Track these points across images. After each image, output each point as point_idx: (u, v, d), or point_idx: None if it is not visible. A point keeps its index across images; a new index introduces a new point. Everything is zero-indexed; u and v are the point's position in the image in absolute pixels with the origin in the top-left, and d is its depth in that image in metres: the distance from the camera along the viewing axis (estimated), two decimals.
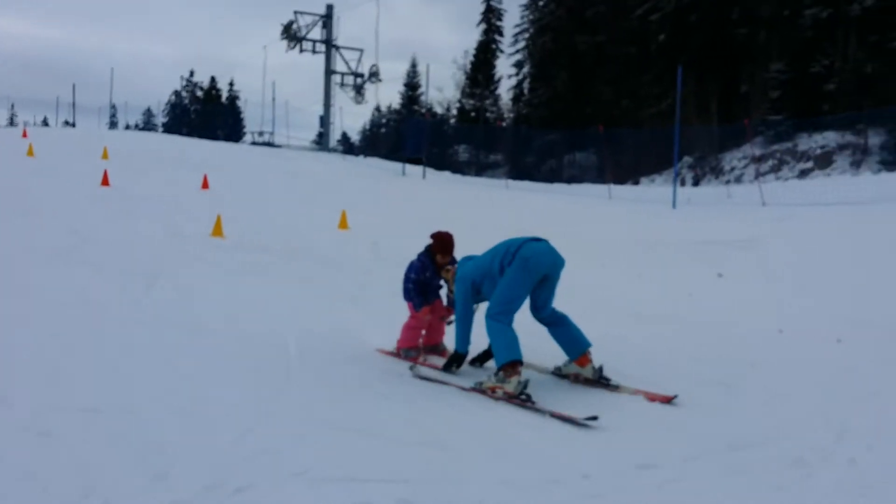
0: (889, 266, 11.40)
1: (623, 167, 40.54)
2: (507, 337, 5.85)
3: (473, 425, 5.19)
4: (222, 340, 6.80)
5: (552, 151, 52.89)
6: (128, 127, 71.11)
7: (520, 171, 39.79)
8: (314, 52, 43.20)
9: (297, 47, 42.83)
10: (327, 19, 42.67)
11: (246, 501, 3.77)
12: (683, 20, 48.00)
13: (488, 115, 64.58)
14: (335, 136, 50.15)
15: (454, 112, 68.44)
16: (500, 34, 66.36)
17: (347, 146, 66.65)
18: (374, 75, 43.97)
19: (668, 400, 5.74)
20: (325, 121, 43.22)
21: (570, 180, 34.06)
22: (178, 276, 9.24)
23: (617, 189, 23.93)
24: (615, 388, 6.07)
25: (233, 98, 78.97)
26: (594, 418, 5.18)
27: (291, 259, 11.11)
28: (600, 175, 32.29)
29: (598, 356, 6.35)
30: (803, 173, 37.52)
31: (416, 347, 6.90)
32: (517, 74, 65.08)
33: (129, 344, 6.42)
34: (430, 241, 6.98)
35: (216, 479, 3.95)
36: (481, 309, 6.40)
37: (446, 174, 30.70)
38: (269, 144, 43.65)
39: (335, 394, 5.65)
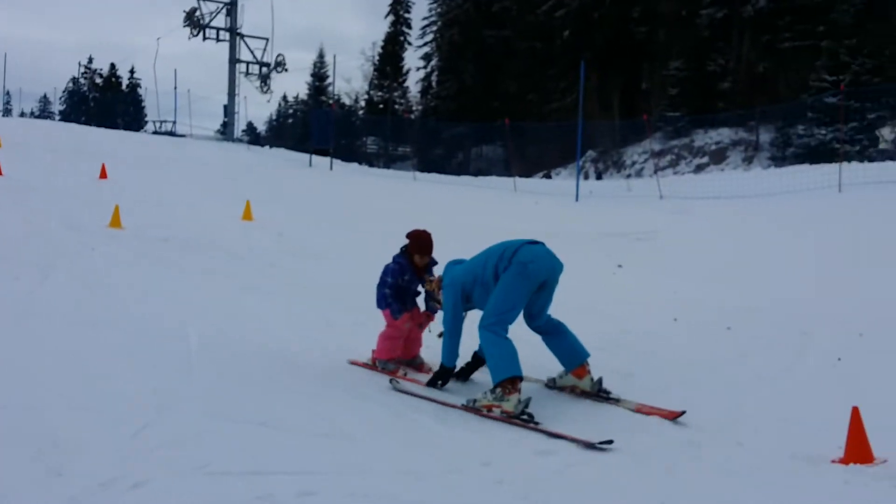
0: (775, 256, 11.99)
1: (529, 160, 41.16)
2: (504, 350, 5.35)
3: (378, 415, 5.23)
4: (121, 333, 6.59)
5: (460, 144, 53.27)
6: (23, 115, 67.82)
7: (428, 164, 39.90)
8: (218, 40, 42.15)
9: (201, 35, 41.70)
10: (231, 7, 41.66)
11: (144, 496, 3.68)
12: (587, 17, 49.07)
13: (396, 106, 64.45)
14: (240, 126, 49.14)
15: (362, 103, 68.10)
16: (409, 26, 66.27)
17: (253, 136, 65.34)
18: (280, 65, 43.20)
19: (675, 416, 5.28)
20: (229, 110, 42.24)
21: (477, 173, 34.35)
22: (74, 268, 8.91)
23: (522, 182, 24.30)
24: (615, 401, 5.66)
25: (133, 86, 76.23)
26: (609, 442, 4.69)
27: (193, 250, 10.86)
28: (507, 168, 32.70)
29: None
30: (699, 168, 38.93)
31: (394, 359, 6.39)
32: (425, 67, 65.22)
33: (24, 337, 6.17)
34: (406, 241, 6.48)
35: (114, 474, 3.85)
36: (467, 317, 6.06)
37: (354, 165, 30.52)
38: (172, 134, 42.38)
39: (237, 387, 5.57)
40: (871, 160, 27.15)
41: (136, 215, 12.46)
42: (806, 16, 39.62)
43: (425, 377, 6.17)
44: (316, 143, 30.55)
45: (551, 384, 5.97)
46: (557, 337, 5.86)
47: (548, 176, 39.84)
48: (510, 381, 5.22)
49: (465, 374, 6.12)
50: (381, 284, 6.42)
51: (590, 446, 4.62)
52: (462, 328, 5.94)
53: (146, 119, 66.53)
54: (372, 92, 67.02)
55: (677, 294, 10.21)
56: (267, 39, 42.15)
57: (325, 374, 6.13)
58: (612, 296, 10.09)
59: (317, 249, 11.99)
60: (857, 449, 4.59)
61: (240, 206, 14.16)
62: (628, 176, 38.50)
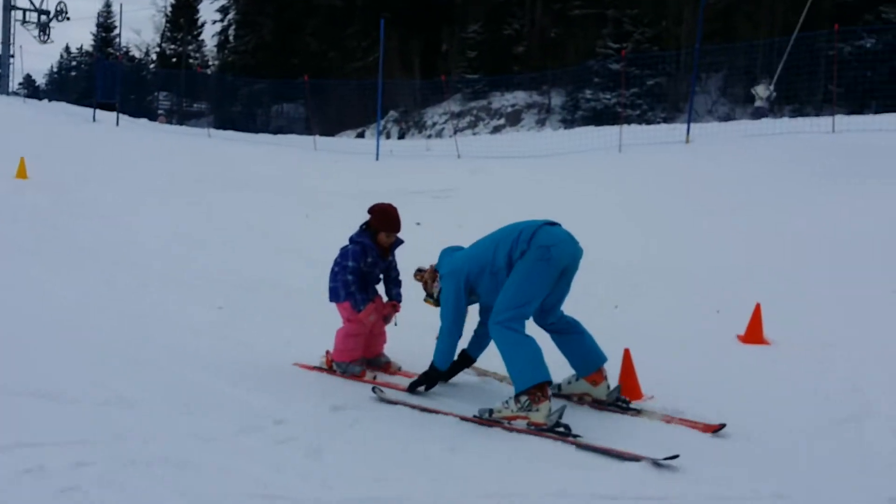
0: (562, 211, 12.62)
1: (332, 119, 40.72)
2: (528, 351, 4.46)
3: (162, 381, 5.00)
4: None
5: (259, 102, 51.80)
6: None
7: (225, 121, 38.45)
8: None
9: None
10: None
11: None
12: None
13: (191, 61, 61.45)
14: (16, 78, 44.86)
15: (153, 57, 64.30)
16: None
17: (32, 89, 60.04)
18: (61, 13, 39.83)
19: (715, 429, 4.44)
20: (3, 61, 38.47)
21: (277, 131, 33.50)
22: None
23: (323, 140, 23.98)
24: (636, 412, 4.80)
25: None
26: (675, 457, 3.87)
27: None
28: (308, 126, 32.16)
29: (296, 306, 6.35)
30: (496, 129, 40.25)
31: (358, 360, 5.49)
32: (222, 20, 62.61)
33: None
34: (367, 216, 5.52)
35: None
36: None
37: (143, 121, 28.77)
38: None
39: (6, 355, 5.15)
40: (649, 123, 29.17)
41: None
42: None
43: (399, 379, 5.38)
44: (101, 97, 28.52)
45: (555, 390, 4.90)
46: (572, 336, 4.94)
47: (361, 135, 39.59)
48: (538, 387, 4.36)
49: (448, 375, 5.24)
50: (341, 271, 5.39)
51: (655, 464, 3.87)
52: (463, 326, 5.06)
53: None
54: (164, 45, 63.54)
55: None
56: None
57: (107, 342, 5.78)
58: (411, 252, 10.21)
59: (101, 209, 11.24)
60: (627, 387, 4.98)
61: (13, 164, 12.98)
62: (429, 136, 39.11)
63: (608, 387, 4.88)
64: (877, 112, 23.44)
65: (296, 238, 10.56)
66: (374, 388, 4.99)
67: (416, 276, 5.35)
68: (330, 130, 36.49)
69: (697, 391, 4.82)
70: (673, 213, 11.63)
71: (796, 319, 7.10)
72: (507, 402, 4.47)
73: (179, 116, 48.37)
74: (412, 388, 5.07)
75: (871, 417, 4.69)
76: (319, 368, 5.53)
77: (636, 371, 5.06)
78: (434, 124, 43.68)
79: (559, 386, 4.99)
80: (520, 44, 45.28)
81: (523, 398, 4.37)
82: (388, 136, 40.69)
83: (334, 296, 5.47)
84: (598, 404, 4.88)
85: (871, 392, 5.15)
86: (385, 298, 5.68)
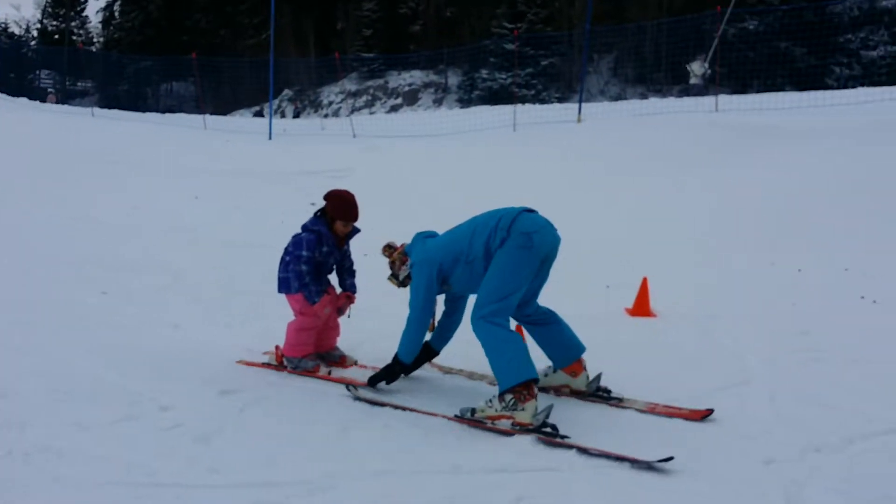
0: (457, 188, 12.71)
1: (224, 98, 39.68)
2: (512, 347, 4.19)
3: (44, 367, 4.78)
4: None
5: (148, 80, 49.93)
6: None
7: (111, 100, 36.91)
8: None
9: None
10: None
11: None
12: None
13: (74, 38, 58.63)
14: None
15: (34, 34, 61.06)
16: None
17: None
18: None
19: (701, 415, 4.33)
20: None
21: (166, 110, 32.38)
22: None
23: (214, 119, 23.29)
24: (618, 401, 4.63)
25: None
26: (669, 459, 3.66)
27: None
28: (199, 106, 31.22)
29: (184, 288, 6.18)
30: (394, 108, 40.07)
31: (310, 355, 5.19)
32: None
33: None
34: (323, 203, 5.19)
35: None
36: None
37: (23, 101, 27.29)
38: None
39: None
40: (543, 102, 29.62)
41: None
42: None
43: (354, 373, 5.09)
44: None
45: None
46: (550, 327, 4.74)
47: (259, 114, 38.59)
48: (524, 385, 4.09)
49: (411, 369, 4.95)
50: (294, 261, 5.03)
51: (648, 467, 3.67)
52: (431, 318, 4.79)
53: None
54: (46, 21, 60.31)
55: (369, 228, 10.44)
56: None
57: None
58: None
59: None
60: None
61: None
62: (326, 115, 38.62)
63: (587, 377, 4.73)
64: (758, 91, 24.52)
65: (184, 219, 10.26)
66: (348, 387, 4.68)
67: (384, 251, 4.99)
68: (223, 109, 35.55)
69: (588, 364, 4.91)
70: (563, 191, 11.85)
71: (681, 292, 7.37)
72: (490, 400, 4.22)
73: (63, 96, 46.10)
74: (373, 383, 4.76)
75: (749, 384, 4.91)
76: (267, 365, 5.19)
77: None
78: (330, 103, 43.12)
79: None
80: (415, 23, 45.12)
81: (508, 397, 4.10)
82: (282, 116, 39.92)
83: (285, 287, 5.11)
84: (578, 395, 4.71)
85: (750, 360, 5.40)
86: (338, 289, 5.38)
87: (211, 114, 25.67)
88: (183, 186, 12.39)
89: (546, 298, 4.85)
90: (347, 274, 5.38)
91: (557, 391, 4.77)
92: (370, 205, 11.85)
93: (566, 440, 3.95)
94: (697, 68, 17.45)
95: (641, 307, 6.89)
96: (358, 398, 4.55)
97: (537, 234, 4.34)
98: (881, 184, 10.20)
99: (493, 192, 11.75)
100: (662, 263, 8.22)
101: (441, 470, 3.61)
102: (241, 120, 27.71)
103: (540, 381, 4.54)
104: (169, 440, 3.86)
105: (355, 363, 5.30)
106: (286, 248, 5.14)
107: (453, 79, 42.16)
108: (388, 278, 4.98)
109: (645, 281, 6.94)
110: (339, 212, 5.07)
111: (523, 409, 4.06)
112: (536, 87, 37.44)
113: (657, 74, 37.27)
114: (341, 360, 5.30)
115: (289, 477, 3.48)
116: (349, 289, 5.33)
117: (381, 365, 4.88)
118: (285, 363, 5.13)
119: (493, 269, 4.33)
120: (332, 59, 26.31)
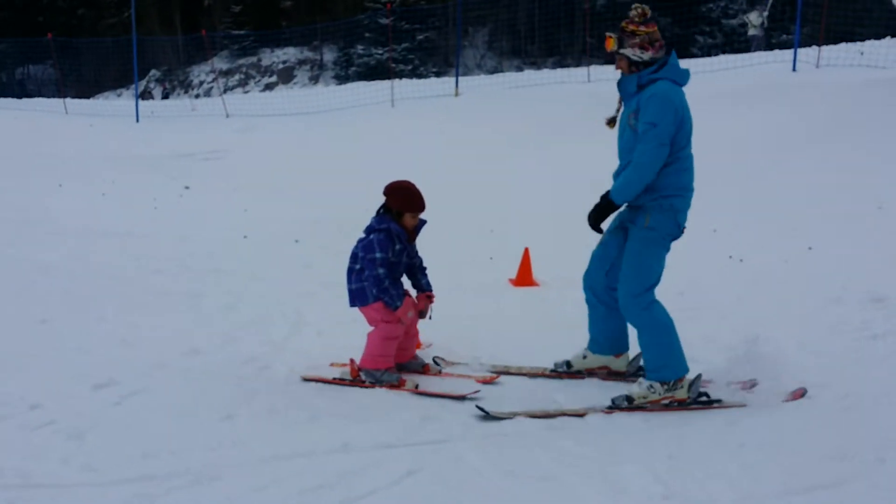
0: (335, 168, 12.56)
1: (87, 81, 37.72)
2: (670, 338, 4.14)
3: None
4: None
5: (2, 64, 46.86)
6: None
7: None
8: None
9: None
10: None
11: None
12: None
13: None
14: None
15: None
16: None
17: None
18: None
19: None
20: None
21: (23, 95, 30.49)
22: None
23: (75, 103, 22.07)
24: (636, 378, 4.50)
25: None
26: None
27: None
28: (59, 89, 29.58)
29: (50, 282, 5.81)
30: (268, 87, 39.16)
31: (392, 368, 4.59)
32: None
33: None
34: (384, 198, 4.69)
35: None
36: None
37: None
38: None
39: None
40: (421, 77, 29.58)
41: None
42: None
43: (447, 384, 4.54)
44: None
45: (563, 368, 4.65)
46: (616, 314, 4.45)
47: (120, 95, 36.75)
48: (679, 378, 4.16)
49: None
50: (370, 265, 4.50)
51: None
52: (659, 167, 4.16)
53: None
54: None
55: (248, 212, 10.20)
56: None
57: None
58: (178, 218, 9.72)
59: None
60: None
61: None
62: (197, 96, 37.34)
63: (628, 357, 4.66)
64: None
65: (48, 209, 9.70)
66: (480, 408, 4.04)
67: (635, 9, 4.19)
68: (86, 93, 33.73)
69: (473, 334, 4.98)
70: (442, 164, 11.89)
71: (561, 260, 7.53)
72: (651, 386, 4.12)
73: None
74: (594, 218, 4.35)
75: (630, 346, 5.09)
76: (341, 381, 4.59)
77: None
78: (201, 83, 41.71)
79: (566, 363, 4.64)
80: None
81: (669, 383, 4.12)
82: (151, 97, 38.36)
83: (360, 298, 4.57)
84: (617, 376, 4.61)
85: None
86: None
87: (73, 97, 24.34)
88: (44, 175, 11.73)
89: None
90: (420, 272, 4.85)
91: (592, 372, 4.64)
92: (248, 190, 11.63)
93: (723, 404, 4.14)
94: (755, 18, 17.39)
95: (524, 277, 7.00)
96: (494, 416, 3.98)
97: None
98: (744, 147, 10.73)
99: (371, 168, 11.70)
100: (544, 234, 8.38)
101: (332, 448, 3.57)
102: (107, 102, 26.43)
103: (574, 364, 4.61)
104: (40, 439, 3.65)
105: (440, 372, 4.79)
106: (353, 255, 4.65)
107: (329, 55, 41.52)
108: (611, 49, 4.24)
109: (527, 251, 7.05)
110: (404, 203, 4.62)
111: (681, 387, 4.11)
112: (413, 62, 37.30)
113: (531, 47, 37.80)
114: (425, 370, 4.79)
115: (169, 469, 3.36)
116: (426, 288, 4.83)
117: (458, 371, 4.71)
118: (363, 377, 4.57)
119: (637, 246, 4.18)
120: (200, 37, 25.35)
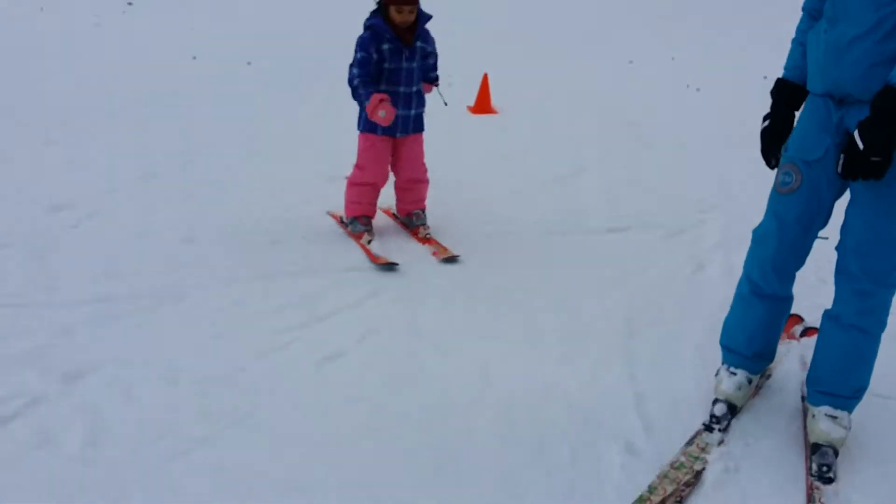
0: None
1: None
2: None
3: None
4: None
5: None
6: None
7: None
8: None
9: None
10: None
11: None
12: None
13: None
14: None
15: None
16: None
17: None
18: None
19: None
20: None
21: None
22: None
23: None
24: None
25: None
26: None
27: None
28: None
29: None
30: None
31: (360, 218, 4.06)
32: None
33: None
34: None
35: None
36: None
37: None
38: None
39: None
40: None
41: None
42: None
43: (404, 245, 3.99)
44: None
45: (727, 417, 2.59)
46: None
47: None
48: None
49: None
50: (350, 71, 3.85)
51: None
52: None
53: None
54: None
55: (194, 31, 9.80)
56: None
57: None
58: (124, 38, 9.28)
59: None
60: None
61: None
62: None
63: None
64: None
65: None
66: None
67: None
68: None
69: (435, 161, 4.95)
70: None
71: (519, 90, 7.47)
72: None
73: None
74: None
75: (585, 173, 5.18)
76: (341, 221, 4.19)
77: None
78: None
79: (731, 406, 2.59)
80: None
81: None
82: None
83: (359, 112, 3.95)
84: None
85: (585, 152, 5.66)
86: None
87: None
88: None
89: None
90: (431, 70, 4.15)
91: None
92: (192, 11, 11.06)
93: None
94: None
95: (483, 105, 6.93)
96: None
97: None
98: None
99: None
100: (501, 61, 8.25)
101: (294, 272, 3.60)
102: None
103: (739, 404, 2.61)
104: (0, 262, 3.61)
105: (427, 237, 4.07)
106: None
107: None
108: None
109: (485, 77, 6.94)
110: None
111: None
112: None
113: None
114: (415, 231, 4.14)
115: (133, 289, 3.35)
116: (431, 81, 4.15)
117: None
118: (343, 220, 4.18)
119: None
120: None
